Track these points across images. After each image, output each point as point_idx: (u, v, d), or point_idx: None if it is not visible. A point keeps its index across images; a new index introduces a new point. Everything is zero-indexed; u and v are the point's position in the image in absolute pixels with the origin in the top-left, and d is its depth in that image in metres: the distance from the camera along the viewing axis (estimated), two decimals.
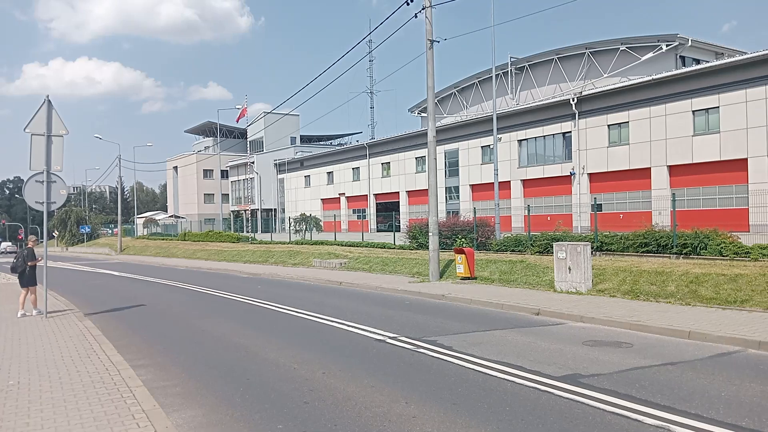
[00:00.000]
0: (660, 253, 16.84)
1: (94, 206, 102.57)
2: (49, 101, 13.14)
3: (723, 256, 15.34)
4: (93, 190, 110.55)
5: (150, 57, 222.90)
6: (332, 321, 12.26)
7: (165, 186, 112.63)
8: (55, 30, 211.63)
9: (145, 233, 65.19)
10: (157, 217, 77.28)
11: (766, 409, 6.06)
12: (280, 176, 73.35)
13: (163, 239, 55.70)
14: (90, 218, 79.48)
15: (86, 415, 6.21)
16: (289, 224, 42.62)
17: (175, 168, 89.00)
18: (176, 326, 12.64)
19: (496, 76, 38.38)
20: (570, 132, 39.09)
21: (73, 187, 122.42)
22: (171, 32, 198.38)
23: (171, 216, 79.38)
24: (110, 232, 76.12)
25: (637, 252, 17.40)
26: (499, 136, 38.53)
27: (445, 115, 56.67)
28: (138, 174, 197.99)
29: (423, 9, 18.91)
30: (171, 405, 6.77)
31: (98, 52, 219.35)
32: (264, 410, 6.47)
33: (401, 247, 26.27)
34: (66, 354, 9.34)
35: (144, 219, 74.61)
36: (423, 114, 57.30)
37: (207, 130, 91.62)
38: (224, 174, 79.13)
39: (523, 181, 42.57)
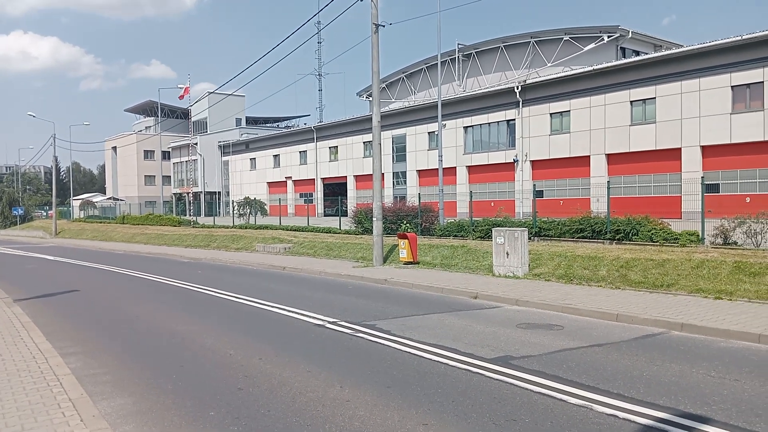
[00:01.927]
0: (595, 238, 17.43)
1: (27, 187, 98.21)
2: None
3: (653, 241, 16.00)
4: (26, 171, 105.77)
5: (89, 32, 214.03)
6: (272, 306, 12.19)
7: (103, 167, 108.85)
8: None
9: (82, 216, 62.92)
10: (94, 200, 74.63)
11: (683, 389, 6.38)
12: (224, 158, 72.00)
13: (100, 222, 53.93)
14: (23, 200, 76.10)
15: (9, 405, 5.99)
16: (233, 208, 41.95)
17: (114, 148, 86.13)
18: (110, 313, 12.32)
19: (443, 62, 38.65)
20: (514, 120, 39.81)
21: (5, 167, 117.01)
22: (112, 7, 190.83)
23: (109, 198, 76.91)
24: (45, 214, 73.14)
25: (573, 238, 17.95)
26: (445, 122, 38.87)
27: (393, 100, 56.70)
28: (75, 154, 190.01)
29: None
30: (100, 393, 6.61)
31: (34, 26, 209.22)
32: (197, 397, 6.40)
33: (347, 232, 26.28)
34: None
35: (81, 201, 71.95)
36: (371, 98, 57.16)
37: (148, 109, 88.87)
38: (166, 155, 77.08)
39: (469, 167, 43.15)
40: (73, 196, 77.36)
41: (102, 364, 7.97)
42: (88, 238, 44.49)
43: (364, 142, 51.68)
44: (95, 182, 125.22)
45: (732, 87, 29.69)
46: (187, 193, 61.44)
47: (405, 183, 47.85)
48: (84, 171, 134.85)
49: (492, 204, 35.24)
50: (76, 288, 16.22)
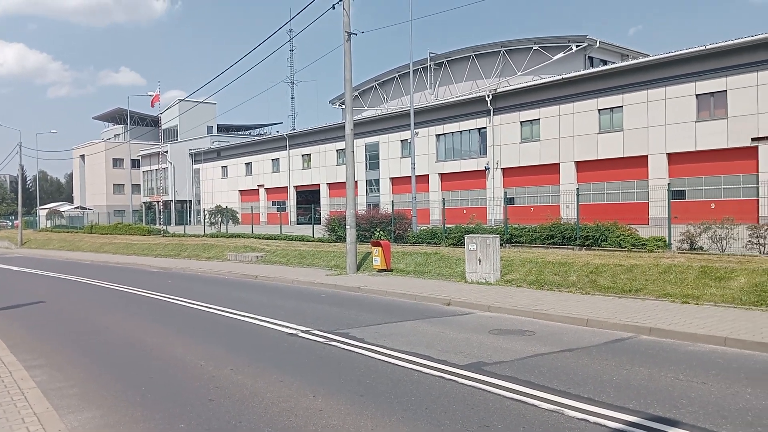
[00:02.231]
0: (565, 244, 17.66)
1: None
2: None
3: (622, 247, 16.27)
4: None
5: (57, 39, 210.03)
6: (244, 316, 12.07)
7: (71, 176, 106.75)
8: None
9: (49, 225, 61.60)
10: (62, 209, 73.10)
11: (652, 392, 6.48)
12: (195, 166, 71.22)
13: (68, 232, 52.83)
14: None
15: None
16: (204, 216, 41.50)
17: (82, 156, 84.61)
18: (77, 324, 12.05)
19: (415, 71, 38.91)
20: (485, 128, 40.20)
21: None
22: (81, 13, 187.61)
23: (77, 207, 75.39)
24: (10, 224, 71.55)
25: (544, 244, 18.16)
26: (417, 130, 39.08)
27: (365, 108, 56.82)
28: (42, 163, 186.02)
29: (340, 0, 18.85)
30: (67, 407, 6.46)
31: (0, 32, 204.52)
32: (166, 409, 6.29)
33: (320, 240, 26.18)
34: None
35: (48, 210, 70.41)
36: (344, 106, 57.17)
37: (117, 117, 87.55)
38: (135, 163, 76.00)
39: (441, 174, 43.41)
40: (40, 205, 75.68)
41: (68, 376, 7.79)
42: (55, 248, 43.55)
43: (337, 150, 51.63)
44: (63, 191, 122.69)
45: (696, 96, 30.43)
46: (157, 202, 60.56)
47: (378, 190, 47.92)
48: (51, 180, 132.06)
49: (464, 211, 35.53)
50: (42, 299, 15.84)
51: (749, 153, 29.04)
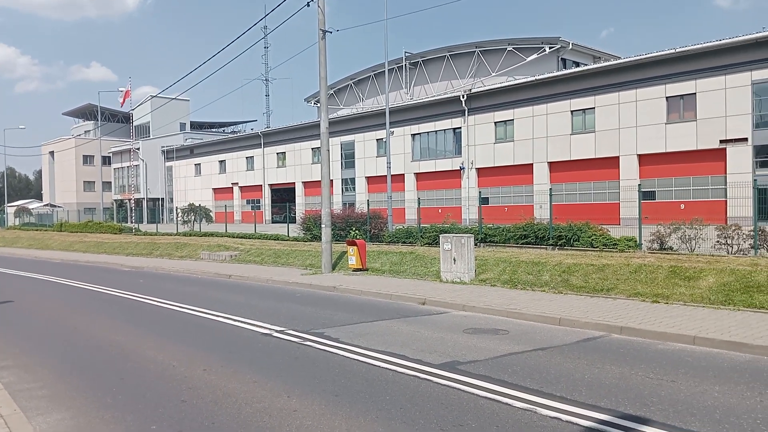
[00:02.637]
0: (538, 244, 17.84)
1: None
2: None
3: (594, 247, 16.50)
4: None
5: (26, 33, 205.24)
6: (218, 316, 11.95)
7: (40, 172, 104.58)
8: None
9: (17, 223, 60.29)
10: (30, 206, 71.62)
11: (623, 390, 6.58)
12: (168, 164, 70.33)
13: (37, 230, 51.76)
14: None
15: None
16: (177, 215, 41.01)
17: (52, 153, 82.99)
18: (46, 324, 11.81)
19: (391, 70, 38.94)
20: (460, 128, 40.44)
21: None
22: (50, 7, 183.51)
23: (46, 205, 73.89)
24: None
25: (518, 243, 18.33)
26: (393, 129, 39.13)
27: (341, 107, 56.71)
28: (10, 159, 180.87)
29: None
30: (35, 408, 6.33)
31: None
32: (138, 411, 6.20)
33: (295, 239, 26.06)
34: None
35: (16, 208, 68.94)
36: (319, 104, 57.03)
37: (88, 112, 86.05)
38: (106, 160, 74.75)
39: (417, 174, 43.54)
40: (8, 202, 74.02)
41: (37, 377, 7.63)
42: (23, 247, 42.60)
43: (312, 149, 51.45)
44: (31, 188, 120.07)
45: (667, 98, 31.02)
46: (129, 200, 59.67)
47: (354, 189, 47.87)
48: (19, 176, 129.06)
49: (440, 210, 35.69)
50: (9, 299, 15.48)
51: (718, 155, 29.70)
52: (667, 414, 5.81)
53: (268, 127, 63.25)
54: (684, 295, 11.74)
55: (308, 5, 18.91)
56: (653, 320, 9.96)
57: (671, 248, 15.53)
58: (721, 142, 29.30)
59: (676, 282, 12.33)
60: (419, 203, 23.88)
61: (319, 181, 21.11)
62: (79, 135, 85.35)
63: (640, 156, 32.15)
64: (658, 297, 11.86)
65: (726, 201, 28.15)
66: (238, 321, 11.27)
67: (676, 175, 31.09)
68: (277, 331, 10.17)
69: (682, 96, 30.53)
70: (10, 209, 68.16)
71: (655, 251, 15.45)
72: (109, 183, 76.08)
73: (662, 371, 7.35)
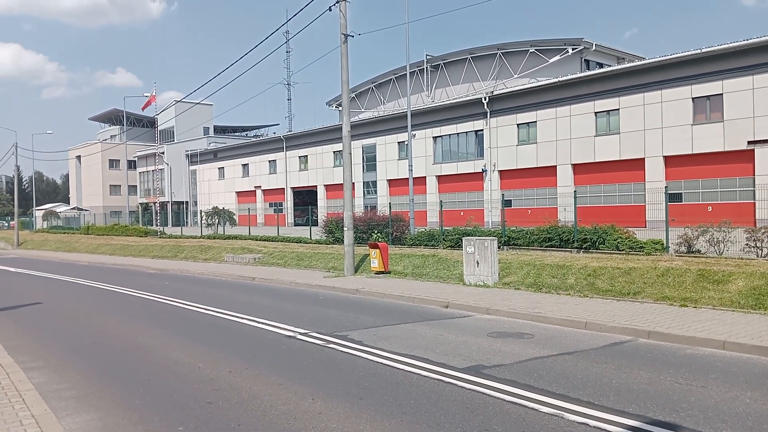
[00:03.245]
0: (562, 247, 17.66)
1: None
2: None
3: (619, 250, 16.28)
4: None
5: (53, 40, 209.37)
6: (242, 318, 12.03)
7: (67, 176, 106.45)
8: None
9: (45, 226, 61.38)
10: (58, 210, 72.85)
11: (652, 396, 6.48)
12: (192, 168, 71.07)
13: (64, 233, 52.66)
14: None
15: None
16: (201, 218, 41.40)
17: (78, 157, 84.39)
18: (74, 326, 12.01)
19: (412, 73, 38.94)
20: (482, 130, 40.22)
21: None
22: (76, 14, 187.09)
23: (73, 208, 75.16)
24: (6, 224, 71.22)
25: (542, 246, 18.16)
26: (414, 132, 39.08)
27: (362, 110, 56.83)
28: (38, 163, 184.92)
29: (337, 2, 18.84)
30: (64, 409, 6.43)
31: None
32: (165, 412, 6.27)
33: (317, 242, 26.15)
34: None
35: (44, 211, 70.17)
36: (340, 108, 57.17)
37: (113, 117, 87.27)
38: (132, 164, 75.76)
39: (438, 177, 43.41)
40: (36, 206, 75.38)
41: (66, 378, 7.75)
42: (51, 249, 43.41)
43: (334, 152, 51.60)
44: (59, 192, 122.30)
45: (693, 99, 30.51)
46: (154, 203, 60.51)
47: (375, 192, 47.88)
48: (47, 180, 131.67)
49: (462, 213, 35.54)
50: (38, 300, 15.78)
51: (746, 156, 29.12)
52: (698, 420, 5.70)
53: (290, 131, 63.57)
54: (713, 299, 11.53)
55: (330, 9, 18.99)
56: (681, 324, 9.80)
57: (699, 251, 15.25)
58: (749, 143, 28.72)
59: (705, 286, 12.11)
60: (441, 206, 23.79)
61: (341, 184, 21.16)
62: (105, 140, 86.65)
63: (666, 158, 31.66)
64: (686, 301, 11.66)
65: (754, 203, 27.55)
66: (262, 323, 11.33)
67: (703, 177, 30.55)
68: (301, 334, 10.21)
69: (708, 97, 30.01)
70: (38, 213, 69.44)
71: (682, 254, 15.19)
72: (135, 187, 77.09)
73: (691, 376, 7.22)
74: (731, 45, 28.78)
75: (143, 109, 51.72)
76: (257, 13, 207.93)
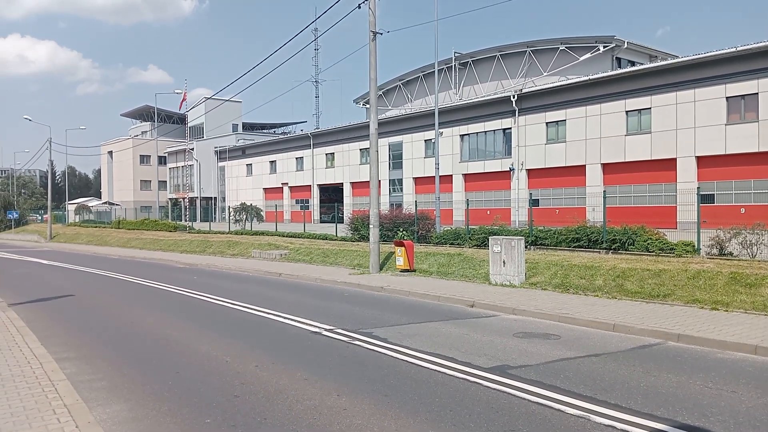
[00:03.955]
0: (591, 248, 17.44)
1: (22, 191, 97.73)
2: None
3: (649, 251, 16.02)
4: (22, 174, 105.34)
5: (87, 37, 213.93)
6: (269, 313, 12.15)
7: (99, 171, 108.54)
8: None
9: (77, 220, 62.71)
10: (90, 204, 74.42)
11: (681, 400, 6.37)
12: (220, 164, 71.90)
13: (95, 227, 53.73)
14: (18, 203, 75.70)
15: (3, 411, 5.95)
16: (229, 214, 41.89)
17: (110, 153, 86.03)
18: (105, 318, 12.26)
19: (440, 70, 38.81)
20: (510, 128, 39.92)
21: (1, 171, 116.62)
22: (109, 12, 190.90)
23: (105, 203, 76.69)
24: (40, 218, 72.81)
25: (570, 247, 17.97)
26: (441, 130, 38.96)
27: (389, 108, 56.82)
28: (70, 158, 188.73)
29: (366, 0, 18.86)
30: (95, 399, 6.57)
31: (32, 30, 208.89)
32: (193, 404, 6.37)
33: (343, 239, 26.25)
34: None
35: (76, 205, 71.74)
36: (368, 105, 57.23)
37: (144, 114, 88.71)
38: (162, 160, 76.95)
39: (465, 175, 43.21)
40: (69, 200, 77.10)
41: (97, 369, 7.92)
42: (83, 243, 44.32)
43: (360, 149, 51.71)
44: (91, 186, 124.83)
45: (727, 98, 29.87)
46: (183, 199, 61.37)
47: (401, 190, 47.87)
48: (80, 175, 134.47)
49: (488, 212, 35.36)
50: (70, 293, 16.13)
51: None
52: (728, 425, 5.60)
53: (317, 129, 63.91)
54: (745, 302, 11.28)
55: (359, 7, 19.04)
56: (712, 328, 9.61)
57: (731, 254, 14.93)
58: None
59: (737, 289, 11.86)
60: (467, 204, 23.68)
61: (367, 181, 21.19)
62: (137, 135, 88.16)
63: (698, 158, 31.06)
64: (717, 304, 11.43)
65: None
66: (288, 319, 11.43)
67: (737, 178, 29.89)
68: (326, 330, 10.27)
69: (743, 96, 29.34)
70: (70, 206, 70.95)
71: (714, 257, 14.89)
72: (165, 182, 78.29)
73: (722, 381, 7.09)
74: (767, 43, 28.08)
75: (180, 108, 52.99)
76: (286, 11, 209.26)
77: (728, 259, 14.34)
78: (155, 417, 6.01)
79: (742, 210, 28.63)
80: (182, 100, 50.20)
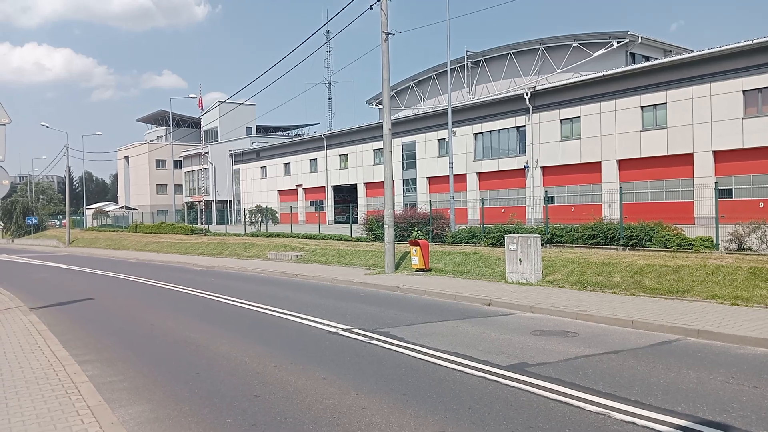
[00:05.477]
0: (608, 244, 17.33)
1: (41, 197, 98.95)
2: None
3: (667, 247, 15.88)
4: (40, 181, 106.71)
5: (102, 44, 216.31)
6: (286, 314, 12.22)
7: (116, 176, 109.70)
8: (0, 13, 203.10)
9: (95, 225, 63.39)
10: (107, 209, 75.14)
11: (702, 395, 6.33)
12: (235, 167, 72.32)
13: (113, 231, 54.31)
14: (37, 209, 76.55)
15: (28, 412, 6.05)
16: (245, 216, 42.13)
17: (127, 158, 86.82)
18: (125, 321, 12.40)
19: (452, 69, 38.70)
20: (524, 126, 39.74)
21: (19, 177, 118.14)
22: (123, 18, 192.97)
23: (122, 207, 77.40)
24: (58, 223, 73.75)
25: (586, 244, 17.86)
26: (455, 129, 38.88)
27: (402, 108, 56.82)
28: (87, 164, 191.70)
29: (378, 1, 18.89)
30: (117, 400, 6.67)
31: (48, 38, 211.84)
32: (213, 404, 6.43)
33: (358, 240, 26.31)
34: (9, 350, 9.06)
35: (94, 210, 72.46)
36: (381, 106, 57.29)
37: (160, 118, 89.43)
38: (177, 164, 77.53)
39: (479, 174, 43.08)
40: (86, 205, 77.85)
41: (118, 371, 8.03)
42: (101, 247, 44.82)
43: (374, 150, 51.75)
44: (108, 191, 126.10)
45: (743, 91, 29.50)
46: (199, 202, 61.82)
47: (415, 190, 47.83)
48: (97, 180, 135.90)
49: (503, 210, 35.19)
50: (90, 296, 16.34)
51: None
52: (750, 421, 5.55)
53: (330, 130, 64.02)
54: (765, 297, 11.16)
55: (371, 8, 19.07)
56: (732, 323, 9.52)
57: (750, 249, 14.76)
58: None
59: (757, 284, 11.73)
60: (482, 203, 23.62)
61: (381, 182, 21.24)
62: (152, 140, 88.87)
63: (715, 152, 30.70)
64: (737, 299, 11.32)
65: None
66: (306, 319, 11.49)
67: (755, 172, 29.49)
68: (344, 330, 10.31)
69: (760, 89, 28.95)
70: (88, 211, 71.70)
71: (732, 252, 14.73)
72: (181, 186, 78.87)
73: (743, 376, 7.03)
74: None
75: (200, 108, 54.11)
76: (298, 15, 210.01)
77: (747, 254, 14.19)
78: (177, 417, 6.09)
79: (761, 204, 28.27)
80: (200, 103, 51.22)
